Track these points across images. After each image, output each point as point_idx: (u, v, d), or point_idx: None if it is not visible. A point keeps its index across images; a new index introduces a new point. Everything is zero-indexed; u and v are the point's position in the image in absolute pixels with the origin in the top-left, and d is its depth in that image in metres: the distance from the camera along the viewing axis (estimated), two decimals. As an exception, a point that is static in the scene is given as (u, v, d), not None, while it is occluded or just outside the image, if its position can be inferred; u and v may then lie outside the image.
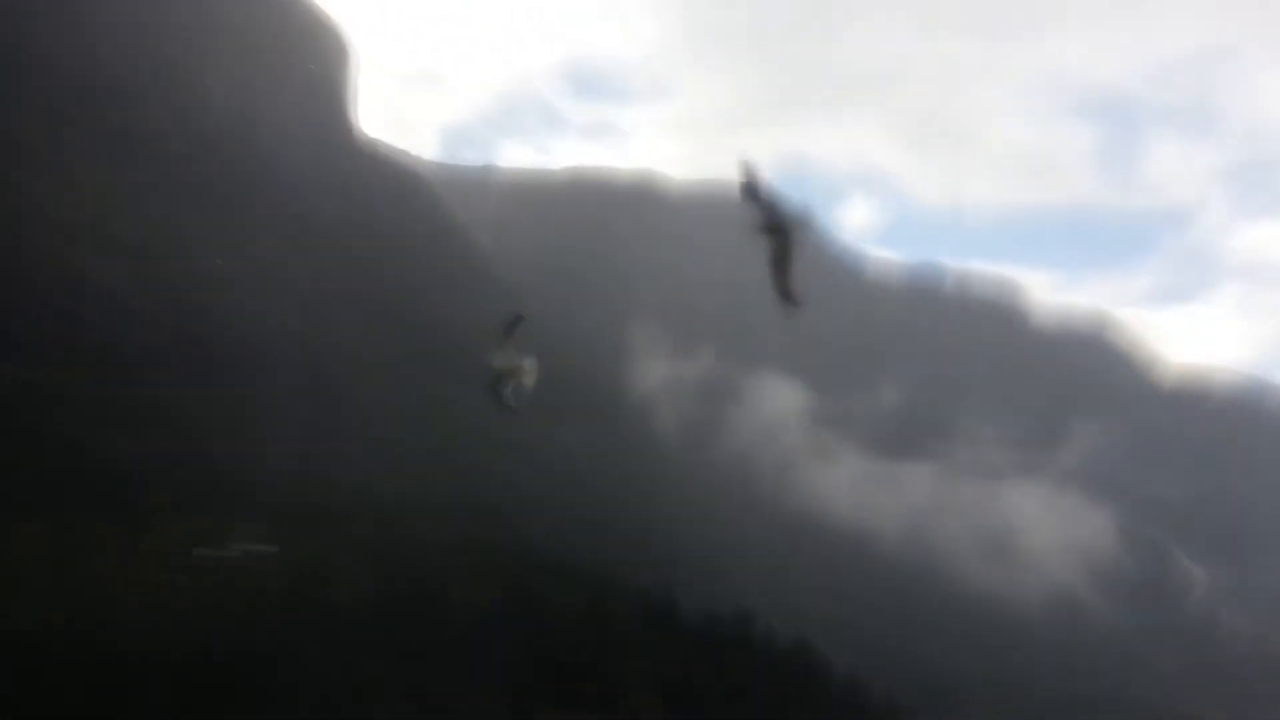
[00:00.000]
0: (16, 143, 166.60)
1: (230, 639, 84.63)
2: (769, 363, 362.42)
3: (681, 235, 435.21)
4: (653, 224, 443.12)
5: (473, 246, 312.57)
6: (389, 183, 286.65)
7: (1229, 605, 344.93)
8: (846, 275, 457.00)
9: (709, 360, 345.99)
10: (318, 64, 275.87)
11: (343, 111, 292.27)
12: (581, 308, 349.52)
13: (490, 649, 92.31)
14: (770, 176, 25.76)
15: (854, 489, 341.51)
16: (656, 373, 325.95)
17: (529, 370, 30.95)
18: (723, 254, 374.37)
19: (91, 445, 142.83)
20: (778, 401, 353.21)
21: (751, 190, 25.83)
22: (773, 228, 25.86)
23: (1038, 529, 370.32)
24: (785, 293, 26.14)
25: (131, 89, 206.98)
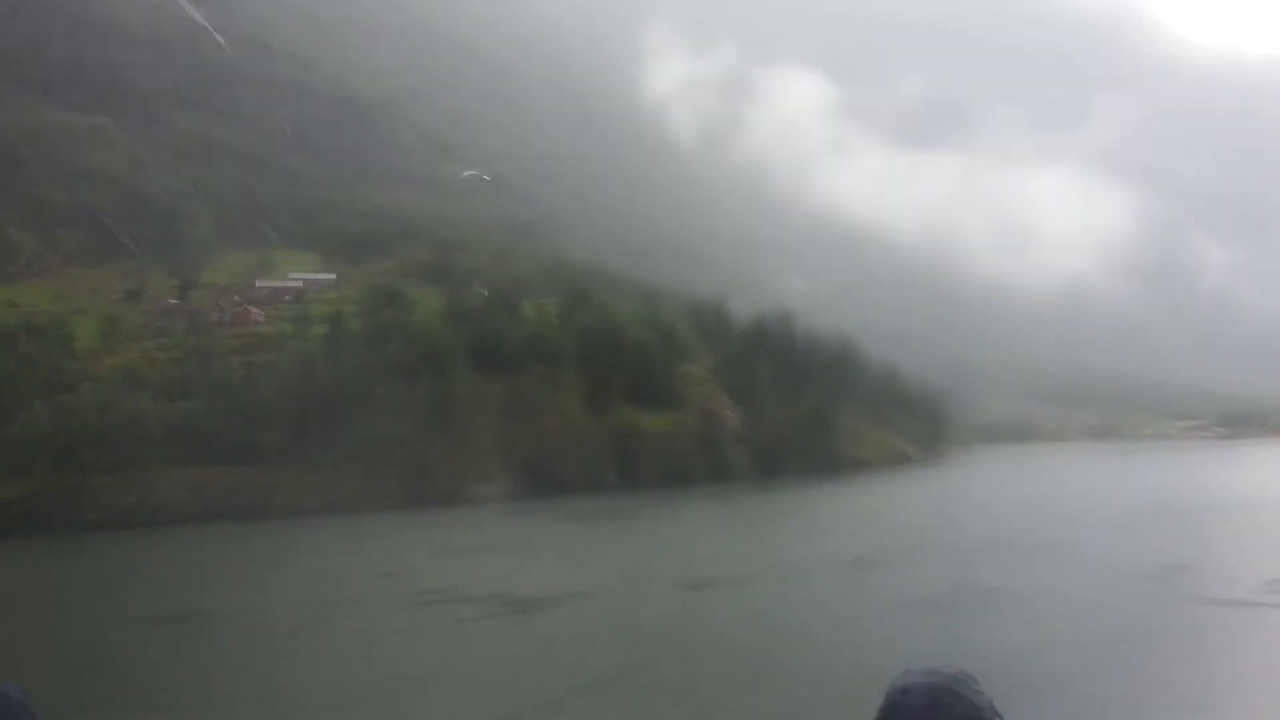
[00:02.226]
0: None
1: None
2: (787, 57, 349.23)
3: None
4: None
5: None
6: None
7: (1241, 283, 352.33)
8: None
9: (727, 57, 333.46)
10: None
11: None
12: (595, 8, 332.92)
13: (563, 357, 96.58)
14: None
15: (873, 183, 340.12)
16: (673, 73, 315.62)
17: None
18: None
19: (130, 182, 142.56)
20: (796, 97, 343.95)
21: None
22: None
23: (1055, 215, 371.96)
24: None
25: None
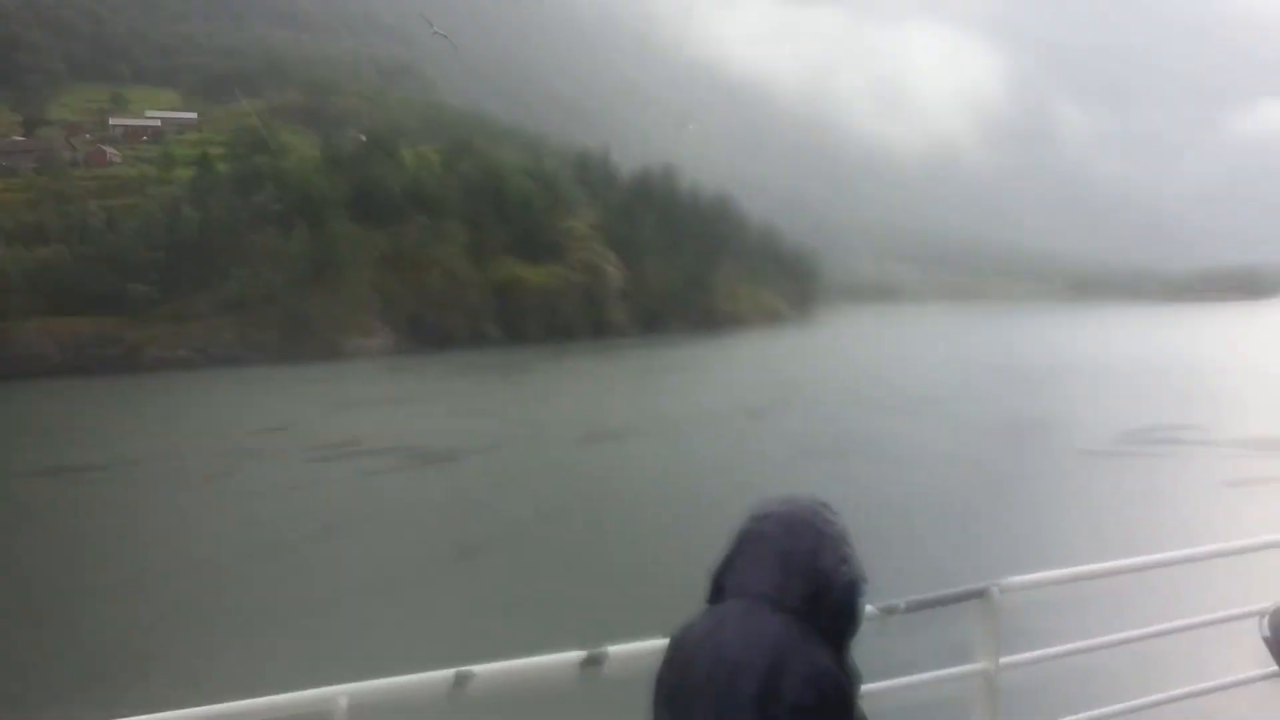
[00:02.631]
0: None
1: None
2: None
3: None
4: None
5: None
6: None
7: (1103, 150, 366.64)
8: None
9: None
10: None
11: None
12: None
13: (446, 208, 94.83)
14: None
15: (755, 36, 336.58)
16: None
17: None
18: None
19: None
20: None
21: None
22: None
23: (930, 75, 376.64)
24: None
25: None
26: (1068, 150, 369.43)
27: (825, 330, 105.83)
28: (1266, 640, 3.27)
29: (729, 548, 2.03)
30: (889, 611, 3.08)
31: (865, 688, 2.02)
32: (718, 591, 2.03)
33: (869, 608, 2.54)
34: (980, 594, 3.32)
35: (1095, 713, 3.85)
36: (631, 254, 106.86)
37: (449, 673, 2.82)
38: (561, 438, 36.80)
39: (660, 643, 2.17)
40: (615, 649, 2.91)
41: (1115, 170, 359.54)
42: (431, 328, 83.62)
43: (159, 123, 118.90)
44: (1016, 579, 3.44)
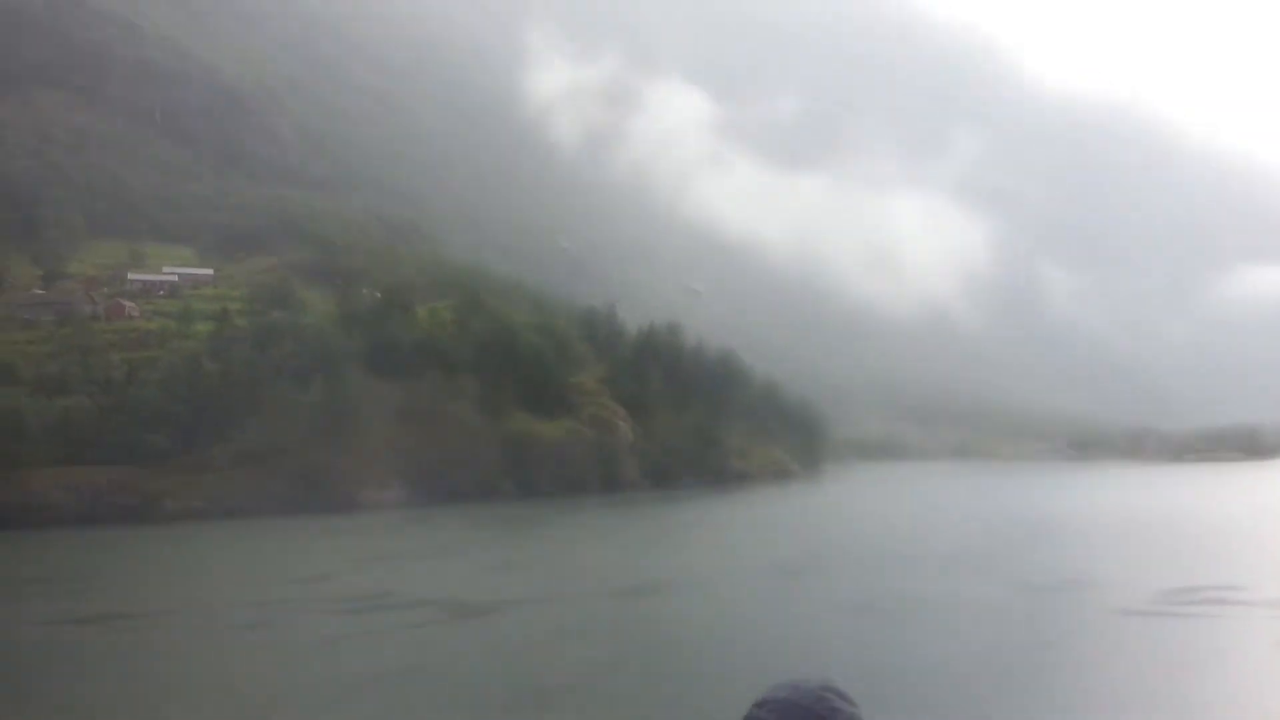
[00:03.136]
0: None
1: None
2: (669, 68, 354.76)
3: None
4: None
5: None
6: None
7: (1085, 311, 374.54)
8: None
9: (610, 65, 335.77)
10: None
11: None
12: (476, 8, 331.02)
13: (459, 363, 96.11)
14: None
15: (748, 199, 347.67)
16: (557, 80, 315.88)
17: None
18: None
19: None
20: (677, 109, 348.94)
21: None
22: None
23: (916, 239, 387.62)
24: None
25: None
26: (1054, 311, 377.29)
27: (838, 485, 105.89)
28: None
29: None
30: None
31: None
32: None
33: None
34: None
35: None
36: (640, 409, 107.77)
37: None
38: (595, 592, 36.65)
39: None
40: None
41: (1100, 331, 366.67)
42: (445, 481, 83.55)
43: (176, 278, 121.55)
44: None
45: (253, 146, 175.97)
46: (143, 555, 51.86)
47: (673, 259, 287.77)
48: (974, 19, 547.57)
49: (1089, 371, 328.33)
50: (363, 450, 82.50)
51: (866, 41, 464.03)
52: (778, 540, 52.31)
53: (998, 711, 20.89)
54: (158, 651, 27.95)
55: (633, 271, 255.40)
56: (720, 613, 32.99)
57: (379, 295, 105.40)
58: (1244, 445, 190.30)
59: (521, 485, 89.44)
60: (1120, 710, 20.97)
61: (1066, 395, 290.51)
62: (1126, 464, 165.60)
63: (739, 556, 46.11)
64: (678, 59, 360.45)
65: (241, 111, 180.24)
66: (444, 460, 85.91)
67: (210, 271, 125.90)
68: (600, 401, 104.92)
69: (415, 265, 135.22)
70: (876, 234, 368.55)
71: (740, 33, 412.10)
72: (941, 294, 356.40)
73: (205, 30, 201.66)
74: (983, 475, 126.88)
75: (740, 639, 28.60)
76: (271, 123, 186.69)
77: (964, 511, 68.57)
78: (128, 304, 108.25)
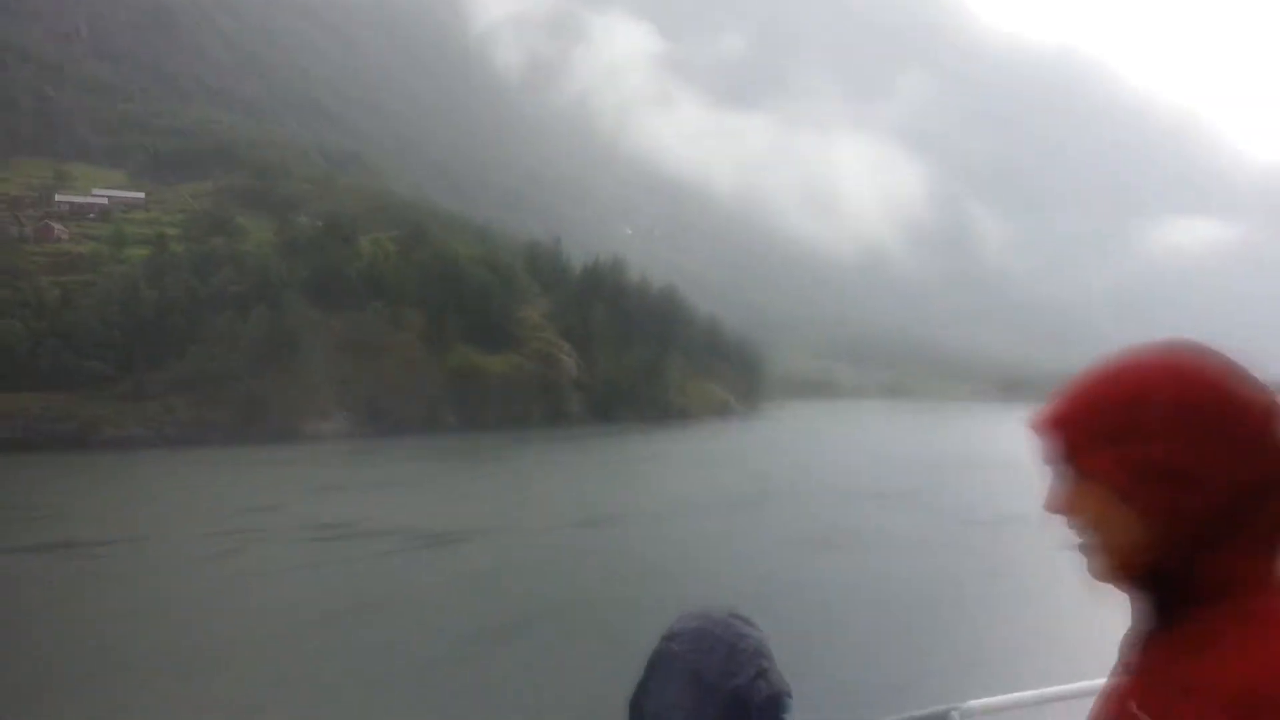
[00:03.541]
0: None
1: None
2: (616, 2, 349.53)
3: None
4: None
5: None
6: None
7: (1016, 257, 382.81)
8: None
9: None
10: None
11: None
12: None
13: (403, 295, 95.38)
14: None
15: (692, 137, 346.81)
16: (500, 7, 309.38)
17: None
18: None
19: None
20: (622, 44, 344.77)
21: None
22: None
23: (857, 181, 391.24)
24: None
25: None
26: (987, 255, 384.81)
27: (777, 424, 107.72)
28: None
29: (644, 671, 1.88)
30: None
31: None
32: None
33: None
34: (942, 718, 2.99)
35: None
36: (584, 344, 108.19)
37: None
38: (555, 523, 37.33)
39: None
40: None
41: (1031, 275, 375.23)
42: (388, 413, 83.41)
43: (106, 201, 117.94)
44: (978, 702, 3.08)
45: (185, 66, 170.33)
46: (87, 483, 51.15)
47: (614, 194, 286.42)
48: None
49: (1020, 316, 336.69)
50: (305, 380, 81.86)
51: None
52: (724, 475, 53.45)
53: (963, 630, 22.04)
54: (128, 580, 27.93)
55: (574, 206, 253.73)
56: (678, 544, 33.89)
57: (320, 224, 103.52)
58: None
59: (465, 418, 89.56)
60: (1067, 625, 22.19)
61: (995, 338, 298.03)
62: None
63: (689, 490, 47.08)
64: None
65: (173, 28, 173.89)
66: (387, 392, 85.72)
67: (141, 195, 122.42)
68: (544, 336, 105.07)
69: (355, 195, 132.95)
70: (818, 175, 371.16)
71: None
72: (879, 236, 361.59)
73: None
74: (918, 415, 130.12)
75: (700, 569, 29.54)
76: (203, 41, 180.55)
77: (903, 450, 70.61)
78: (56, 226, 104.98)
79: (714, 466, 59.15)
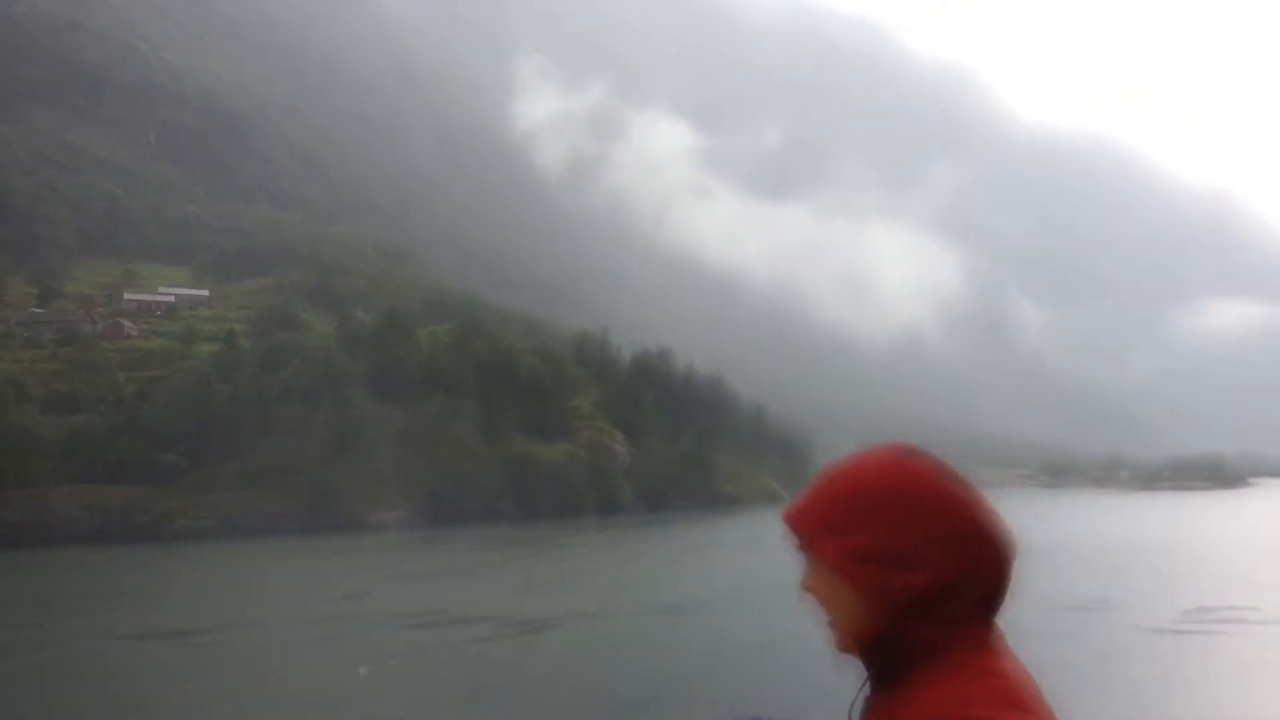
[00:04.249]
0: None
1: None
2: (653, 99, 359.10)
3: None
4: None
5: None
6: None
7: (1054, 343, 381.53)
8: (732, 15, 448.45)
9: (597, 95, 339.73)
10: None
11: None
12: (467, 38, 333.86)
13: (460, 386, 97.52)
14: None
15: (729, 228, 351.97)
16: (544, 105, 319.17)
17: None
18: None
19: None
20: (661, 139, 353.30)
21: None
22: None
23: (892, 269, 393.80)
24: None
25: None
26: (1024, 342, 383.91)
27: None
28: None
29: None
30: None
31: None
32: None
33: None
34: None
35: None
36: (634, 433, 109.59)
37: None
38: (639, 610, 38.20)
39: None
40: None
41: (1067, 361, 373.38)
42: (448, 502, 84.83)
43: (173, 298, 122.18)
44: None
45: (247, 169, 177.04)
46: (172, 573, 52.76)
47: (654, 285, 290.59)
48: (954, 54, 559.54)
49: (1060, 400, 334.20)
50: (368, 471, 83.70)
51: (848, 74, 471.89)
52: (786, 563, 53.98)
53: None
54: (244, 664, 29.17)
55: (615, 297, 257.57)
56: (761, 628, 34.63)
57: (380, 318, 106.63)
58: (1211, 474, 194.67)
59: (521, 507, 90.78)
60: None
61: (1039, 424, 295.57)
62: (1100, 492, 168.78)
63: (757, 578, 47.78)
64: (663, 90, 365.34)
65: (236, 134, 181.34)
66: (447, 481, 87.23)
67: (206, 292, 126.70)
68: (596, 425, 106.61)
69: (411, 289, 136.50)
70: (854, 263, 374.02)
71: (725, 65, 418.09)
72: (914, 322, 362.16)
73: (201, 53, 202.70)
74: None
75: (782, 650, 30.30)
76: (265, 146, 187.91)
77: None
78: (126, 323, 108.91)
79: (773, 554, 59.69)
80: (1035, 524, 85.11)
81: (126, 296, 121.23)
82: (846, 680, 1.78)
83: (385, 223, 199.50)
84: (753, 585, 44.46)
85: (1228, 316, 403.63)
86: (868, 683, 1.54)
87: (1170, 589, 41.78)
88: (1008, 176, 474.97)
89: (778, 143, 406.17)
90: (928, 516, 1.47)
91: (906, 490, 1.48)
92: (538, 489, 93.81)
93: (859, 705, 1.52)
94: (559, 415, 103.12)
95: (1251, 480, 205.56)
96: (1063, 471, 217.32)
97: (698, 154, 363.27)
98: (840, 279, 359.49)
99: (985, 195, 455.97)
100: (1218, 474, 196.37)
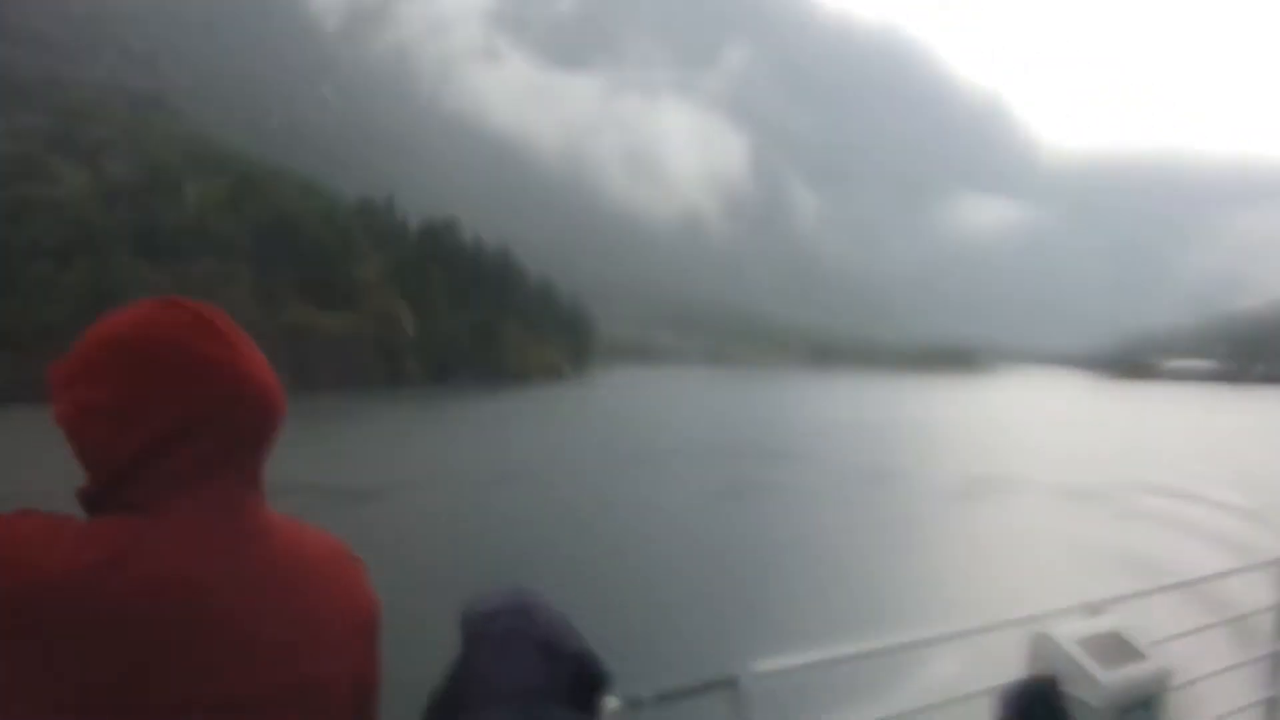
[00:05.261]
0: None
1: None
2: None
3: None
4: None
5: None
6: None
7: (828, 229, 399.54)
8: None
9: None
10: None
11: None
12: None
13: (234, 249, 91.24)
14: None
15: (517, 96, 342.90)
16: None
17: None
18: None
19: None
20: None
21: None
22: None
23: (680, 149, 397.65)
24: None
25: None
26: (800, 228, 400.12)
27: (617, 388, 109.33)
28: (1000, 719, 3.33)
29: (471, 653, 1.72)
30: (634, 704, 2.61)
31: None
32: (460, 709, 1.66)
33: (614, 700, 2.32)
34: (730, 683, 2.92)
35: None
36: (421, 305, 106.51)
37: None
38: (463, 480, 37.30)
39: None
40: None
41: (836, 248, 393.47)
42: (221, 372, 79.53)
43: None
44: (765, 665, 2.99)
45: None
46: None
47: (437, 151, 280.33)
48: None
49: (828, 286, 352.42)
50: (132, 337, 76.91)
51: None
52: (598, 434, 54.45)
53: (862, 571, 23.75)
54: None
55: (397, 162, 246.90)
56: (584, 498, 34.51)
57: (141, 172, 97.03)
58: (959, 360, 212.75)
59: (301, 378, 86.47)
60: (960, 574, 24.38)
61: (809, 307, 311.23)
62: (861, 373, 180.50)
63: (576, 448, 47.84)
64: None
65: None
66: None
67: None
68: (383, 296, 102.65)
69: (168, 141, 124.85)
70: (642, 141, 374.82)
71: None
72: (699, 203, 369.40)
73: None
74: (743, 380, 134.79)
75: (613, 520, 30.39)
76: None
77: (761, 412, 73.67)
78: None
79: (588, 426, 60.13)
80: (817, 401, 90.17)
81: None
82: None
83: (133, 65, 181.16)
84: (559, 457, 44.49)
85: (983, 214, 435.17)
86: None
87: (950, 461, 45.01)
88: (800, 63, 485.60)
89: (571, 8, 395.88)
90: (154, 373, 1.35)
91: (140, 344, 1.36)
92: (319, 360, 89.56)
93: None
94: (343, 284, 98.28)
95: (994, 367, 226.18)
96: (826, 353, 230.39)
97: (487, 14, 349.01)
98: (628, 156, 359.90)
99: (775, 80, 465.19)
100: (966, 360, 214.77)
